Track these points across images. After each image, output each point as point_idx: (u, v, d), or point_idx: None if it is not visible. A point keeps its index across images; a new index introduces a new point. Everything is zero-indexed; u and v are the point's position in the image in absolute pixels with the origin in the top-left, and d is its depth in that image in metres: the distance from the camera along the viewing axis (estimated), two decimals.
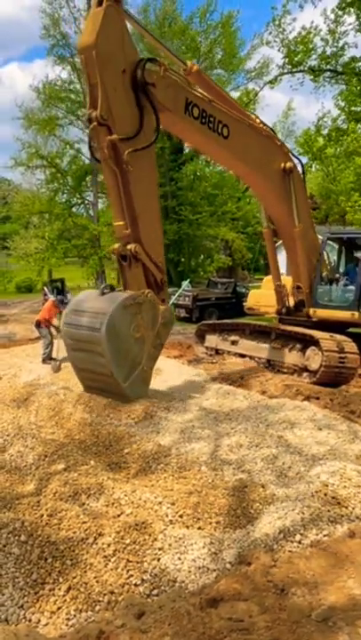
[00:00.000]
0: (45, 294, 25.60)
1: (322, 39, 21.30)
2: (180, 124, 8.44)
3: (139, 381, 7.99)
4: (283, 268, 13.69)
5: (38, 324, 11.83)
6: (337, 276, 11.85)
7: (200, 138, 8.99)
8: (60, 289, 28.45)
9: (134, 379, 7.85)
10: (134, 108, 7.59)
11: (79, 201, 34.73)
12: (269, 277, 15.54)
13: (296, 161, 10.83)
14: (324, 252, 12.03)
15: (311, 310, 11.59)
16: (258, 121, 10.10)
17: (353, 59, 21.28)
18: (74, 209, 34.12)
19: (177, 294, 22.54)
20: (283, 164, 10.37)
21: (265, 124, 10.27)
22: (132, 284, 8.02)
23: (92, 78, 7.18)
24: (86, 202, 34.57)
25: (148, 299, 7.86)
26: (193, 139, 9.49)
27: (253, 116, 10.21)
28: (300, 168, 11.04)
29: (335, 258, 12.46)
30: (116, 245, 7.97)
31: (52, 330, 11.68)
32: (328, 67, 21.92)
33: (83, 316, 7.74)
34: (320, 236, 12.54)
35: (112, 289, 7.97)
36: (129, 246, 7.76)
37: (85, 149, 33.50)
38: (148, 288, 8.01)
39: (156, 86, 7.68)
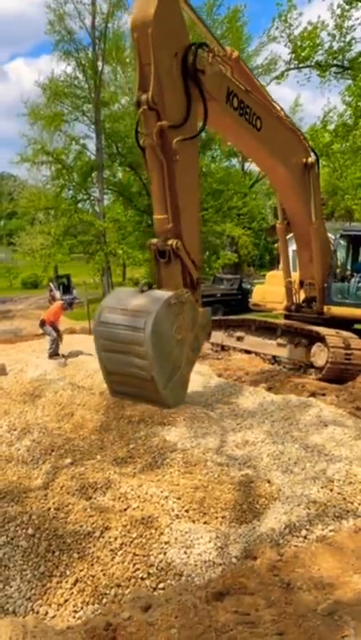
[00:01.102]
0: (51, 290, 25.67)
1: (329, 34, 21.15)
2: (221, 114, 7.97)
3: (178, 387, 7.41)
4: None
5: (42, 324, 11.86)
6: (348, 273, 11.77)
7: (237, 130, 8.62)
8: (65, 285, 28.54)
9: (174, 384, 7.28)
10: (183, 94, 7.21)
11: (85, 197, 34.67)
12: (273, 273, 15.45)
13: (313, 157, 10.74)
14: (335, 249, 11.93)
15: (325, 307, 11.48)
16: (283, 113, 9.94)
17: (360, 54, 21.14)
18: (80, 205, 34.04)
19: None
20: (304, 159, 10.28)
21: (288, 117, 10.13)
22: (169, 283, 7.51)
23: (143, 58, 6.77)
24: (92, 198, 34.52)
25: (190, 299, 7.42)
26: (230, 131, 8.93)
27: (278, 108, 9.81)
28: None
29: (343, 255, 12.34)
30: (155, 240, 7.50)
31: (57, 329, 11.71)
32: (335, 62, 21.78)
33: (121, 314, 7.21)
34: (331, 235, 12.47)
35: (150, 287, 7.48)
36: (170, 241, 7.31)
37: (91, 145, 33.54)
38: (184, 287, 7.50)
39: (205, 74, 7.35)
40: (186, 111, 7.22)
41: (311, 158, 10.35)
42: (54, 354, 11.26)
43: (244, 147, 10.04)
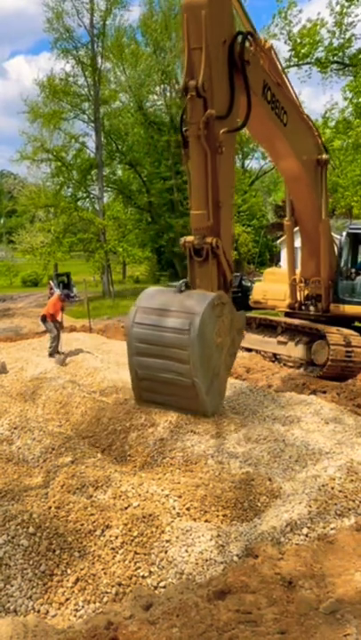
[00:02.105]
0: (51, 288, 25.65)
1: (328, 31, 21.12)
2: (255, 107, 7.55)
3: (216, 394, 6.98)
4: (283, 263, 13.53)
5: (44, 319, 11.86)
6: (353, 270, 11.73)
7: (265, 123, 8.21)
8: (65, 283, 28.53)
9: (213, 391, 6.85)
10: (227, 85, 6.87)
11: (85, 195, 34.71)
12: (271, 270, 15.41)
13: (326, 154, 10.66)
14: (336, 246, 11.87)
15: (333, 306, 11.42)
16: (303, 108, 9.83)
17: (360, 50, 21.09)
18: (79, 203, 34.10)
19: None
20: (318, 156, 10.21)
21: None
22: (204, 284, 7.04)
23: (193, 41, 6.45)
24: (92, 196, 34.55)
25: (230, 300, 7.02)
26: (259, 124, 8.34)
27: (299, 103, 9.64)
28: None
29: (349, 252, 12.25)
30: (190, 238, 7.03)
31: (58, 325, 11.70)
32: (335, 59, 21.73)
33: (161, 315, 6.70)
34: (336, 236, 12.41)
35: (188, 286, 7.06)
36: (208, 239, 6.86)
37: (91, 143, 33.54)
38: (217, 289, 7.08)
39: (250, 65, 7.05)
40: (229, 102, 6.88)
41: (325, 155, 10.31)
42: (54, 352, 11.25)
43: (267, 141, 9.64)
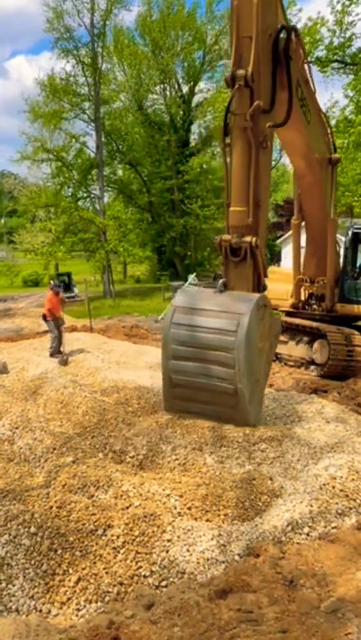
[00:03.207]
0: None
1: (329, 30, 21.08)
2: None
3: (257, 402, 6.49)
4: (283, 262, 13.41)
5: (45, 318, 11.91)
6: (357, 270, 11.69)
7: (294, 121, 7.92)
8: (66, 283, 28.53)
9: (255, 399, 6.34)
10: (270, 79, 6.66)
11: (85, 195, 34.73)
12: (273, 269, 15.37)
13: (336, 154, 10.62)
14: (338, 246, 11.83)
15: (339, 305, 11.40)
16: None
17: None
18: (80, 203, 34.10)
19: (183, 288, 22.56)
20: (329, 155, 10.17)
21: None
22: (239, 284, 6.62)
23: (243, 29, 6.26)
24: (92, 196, 34.56)
25: (269, 303, 6.66)
26: (290, 124, 8.00)
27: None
28: None
29: (354, 252, 12.20)
30: (227, 236, 6.68)
31: (60, 322, 11.69)
32: (335, 57, 21.70)
33: (202, 315, 6.24)
34: (338, 236, 12.37)
35: (225, 286, 6.66)
36: (248, 238, 6.51)
37: (91, 143, 33.52)
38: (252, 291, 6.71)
39: (292, 60, 6.92)
40: (271, 97, 6.68)
41: (336, 155, 10.28)
42: (55, 352, 11.25)
43: (288, 137, 9.36)
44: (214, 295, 6.46)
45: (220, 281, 6.62)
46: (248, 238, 6.52)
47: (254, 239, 6.51)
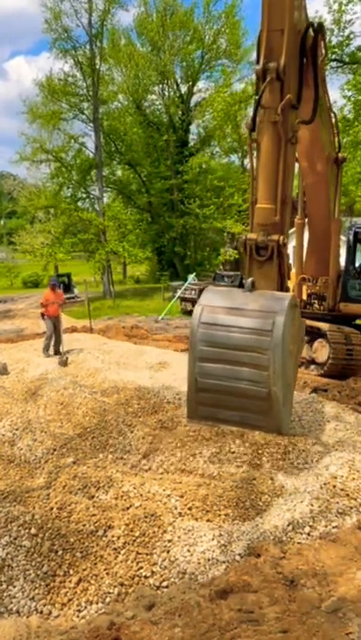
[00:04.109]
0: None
1: (326, 29, 21.07)
2: (310, 103, 7.20)
3: (289, 409, 6.21)
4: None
5: (43, 316, 12.14)
6: (359, 269, 11.67)
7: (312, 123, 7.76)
8: (66, 284, 28.52)
9: (287, 404, 6.03)
10: (297, 76, 6.55)
11: (84, 195, 34.74)
12: None
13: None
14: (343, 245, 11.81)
15: (342, 305, 11.37)
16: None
17: (359, 48, 21.08)
18: (79, 203, 34.12)
19: (183, 288, 22.59)
20: (335, 154, 10.16)
21: None
22: (262, 285, 6.34)
23: (274, 22, 6.13)
24: (92, 196, 34.56)
25: (299, 304, 6.32)
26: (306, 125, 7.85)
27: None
28: None
29: (352, 251, 12.17)
30: (252, 235, 6.41)
31: (55, 320, 11.75)
32: (334, 56, 21.71)
33: (234, 314, 5.96)
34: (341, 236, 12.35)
35: (253, 285, 6.35)
36: (275, 236, 6.28)
37: (90, 143, 33.52)
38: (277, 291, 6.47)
39: (318, 58, 6.83)
40: (298, 94, 6.55)
41: (342, 154, 10.27)
42: (47, 348, 11.48)
43: (302, 135, 9.00)
44: (244, 294, 6.19)
45: (250, 280, 6.37)
46: (275, 237, 6.30)
47: (282, 237, 6.32)
